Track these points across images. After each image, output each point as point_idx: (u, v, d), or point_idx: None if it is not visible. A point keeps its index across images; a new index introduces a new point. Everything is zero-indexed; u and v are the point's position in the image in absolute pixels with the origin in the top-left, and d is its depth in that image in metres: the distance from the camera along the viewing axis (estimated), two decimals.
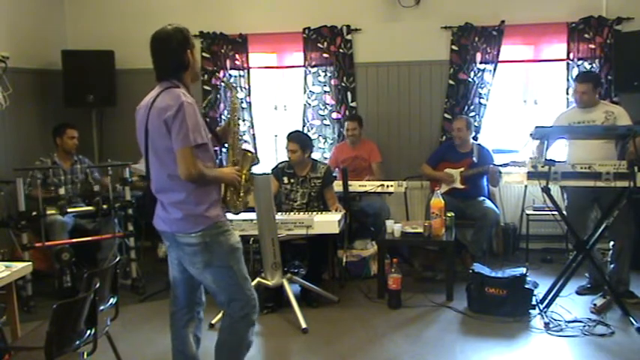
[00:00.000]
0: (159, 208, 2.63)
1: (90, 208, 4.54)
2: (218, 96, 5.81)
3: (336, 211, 4.42)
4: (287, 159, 4.63)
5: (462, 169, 5.09)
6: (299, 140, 4.53)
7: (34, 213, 4.23)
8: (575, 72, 5.29)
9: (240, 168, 2.78)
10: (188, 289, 2.76)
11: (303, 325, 3.85)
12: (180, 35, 2.55)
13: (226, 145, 2.90)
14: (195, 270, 2.63)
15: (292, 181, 4.61)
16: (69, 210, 4.46)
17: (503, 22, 5.38)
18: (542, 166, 3.89)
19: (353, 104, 5.70)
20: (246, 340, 2.70)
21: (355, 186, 4.99)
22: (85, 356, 2.64)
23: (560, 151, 4.48)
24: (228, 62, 5.77)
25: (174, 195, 2.53)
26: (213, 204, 2.59)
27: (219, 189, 2.68)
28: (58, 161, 4.93)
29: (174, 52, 2.54)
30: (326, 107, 5.78)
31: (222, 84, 5.76)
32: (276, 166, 4.68)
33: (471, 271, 4.21)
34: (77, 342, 2.55)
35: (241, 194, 2.77)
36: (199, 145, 2.46)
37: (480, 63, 5.47)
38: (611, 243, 4.30)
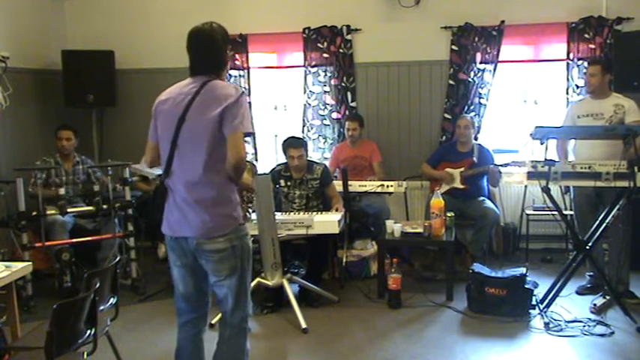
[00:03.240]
0: (179, 211, 2.49)
1: (90, 208, 4.54)
2: None
3: (336, 211, 4.42)
4: (284, 161, 4.66)
5: (461, 168, 5.09)
6: (302, 144, 4.58)
7: (34, 213, 4.23)
8: (575, 72, 5.30)
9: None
10: (203, 296, 2.66)
11: (303, 325, 3.85)
12: (224, 32, 2.57)
13: None
14: (216, 278, 2.53)
15: (289, 183, 4.62)
16: (69, 210, 4.46)
17: (503, 22, 5.38)
18: (542, 166, 3.89)
19: (353, 104, 5.70)
20: (246, 348, 2.66)
21: (355, 186, 4.99)
22: (85, 356, 2.64)
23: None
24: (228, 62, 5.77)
25: (206, 191, 2.45)
26: (238, 203, 2.54)
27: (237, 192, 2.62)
28: (60, 161, 4.95)
29: (218, 48, 2.54)
30: (326, 107, 5.78)
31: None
32: (273, 170, 4.68)
33: (471, 271, 4.21)
34: (77, 342, 2.54)
35: (248, 204, 2.76)
36: (246, 135, 2.46)
37: (480, 63, 5.47)
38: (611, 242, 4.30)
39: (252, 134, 2.49)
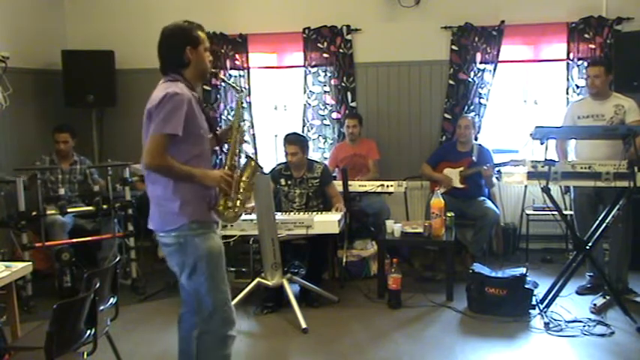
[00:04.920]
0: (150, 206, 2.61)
1: (90, 208, 4.54)
2: (218, 96, 5.82)
3: (337, 210, 4.41)
4: (284, 161, 4.64)
5: (461, 168, 5.09)
6: (298, 142, 4.54)
7: (34, 213, 4.23)
8: (575, 72, 5.30)
9: (239, 174, 2.63)
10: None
11: (303, 325, 3.85)
12: (179, 32, 2.55)
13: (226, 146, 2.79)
14: (176, 273, 2.59)
15: (289, 182, 4.62)
16: (69, 210, 4.46)
17: (503, 22, 5.38)
18: (542, 166, 3.89)
19: (353, 104, 5.70)
20: (215, 351, 2.59)
21: (355, 186, 4.99)
22: (85, 356, 2.64)
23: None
24: (228, 62, 5.77)
25: (156, 188, 2.51)
26: (190, 202, 2.46)
27: (204, 190, 2.52)
28: (57, 160, 4.95)
29: (172, 49, 2.55)
30: (326, 107, 5.77)
31: (223, 84, 5.75)
32: (273, 169, 4.68)
33: (471, 271, 4.21)
34: (77, 342, 2.55)
35: (236, 203, 2.59)
36: (172, 137, 2.38)
37: (480, 63, 5.47)
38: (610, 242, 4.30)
39: (175, 136, 2.32)
